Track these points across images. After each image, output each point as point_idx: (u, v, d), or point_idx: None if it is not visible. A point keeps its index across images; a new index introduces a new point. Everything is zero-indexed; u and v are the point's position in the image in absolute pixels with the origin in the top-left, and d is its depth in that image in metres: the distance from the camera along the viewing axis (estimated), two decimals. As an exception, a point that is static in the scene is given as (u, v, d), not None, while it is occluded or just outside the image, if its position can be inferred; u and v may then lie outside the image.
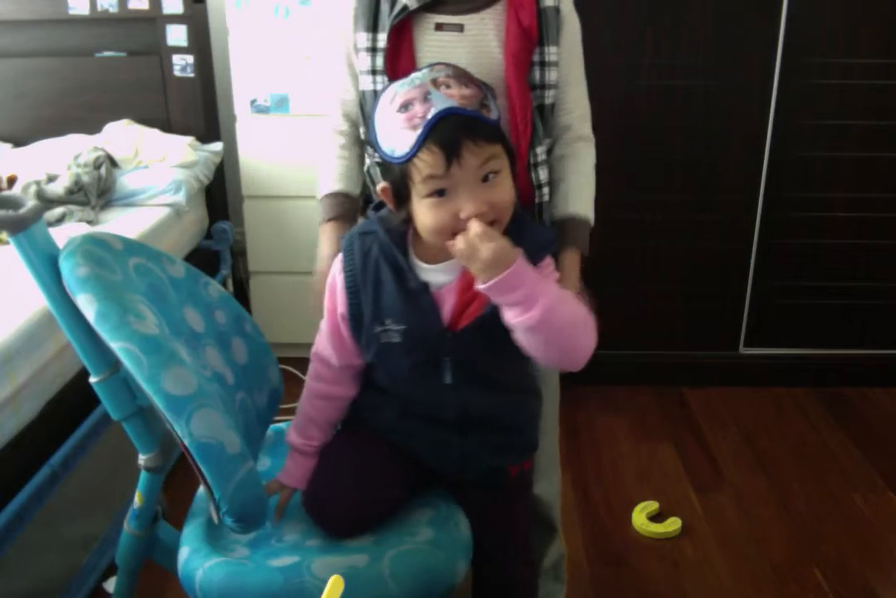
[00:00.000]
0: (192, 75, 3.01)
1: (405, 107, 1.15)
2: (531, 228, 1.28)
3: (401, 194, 1.21)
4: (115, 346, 1.19)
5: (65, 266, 1.23)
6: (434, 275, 1.27)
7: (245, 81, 2.79)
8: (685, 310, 2.85)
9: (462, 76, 1.19)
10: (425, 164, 1.14)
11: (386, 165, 1.24)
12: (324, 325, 1.36)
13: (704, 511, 2.27)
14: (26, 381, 1.76)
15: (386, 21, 1.39)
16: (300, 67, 2.74)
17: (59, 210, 2.50)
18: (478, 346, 1.27)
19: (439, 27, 1.39)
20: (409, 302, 1.26)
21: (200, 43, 3.03)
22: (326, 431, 1.40)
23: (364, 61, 1.42)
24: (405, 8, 1.37)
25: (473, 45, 1.39)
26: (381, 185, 1.25)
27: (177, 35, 2.97)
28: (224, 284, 3.00)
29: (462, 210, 1.15)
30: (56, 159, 2.74)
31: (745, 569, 2.06)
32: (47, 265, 1.25)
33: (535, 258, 1.22)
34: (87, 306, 1.21)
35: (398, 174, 1.19)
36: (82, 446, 1.83)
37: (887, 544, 2.16)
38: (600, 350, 1.26)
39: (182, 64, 3.00)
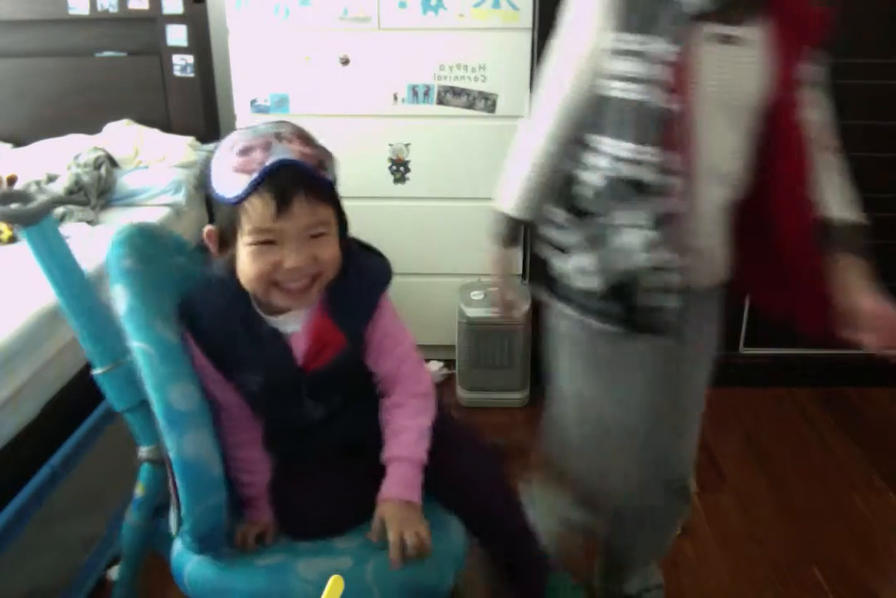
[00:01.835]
0: (192, 75, 3.01)
1: (245, 152, 1.15)
2: (367, 263, 1.32)
3: (226, 238, 1.21)
4: (135, 345, 1.20)
5: (112, 252, 1.25)
6: (278, 325, 1.29)
7: (245, 81, 2.79)
8: (685, 310, 2.85)
9: (304, 137, 1.19)
10: (256, 211, 1.15)
11: (215, 208, 1.22)
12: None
13: (704, 511, 2.26)
14: (26, 381, 1.76)
15: (662, 25, 1.23)
16: (300, 67, 2.74)
17: (59, 210, 2.50)
18: (334, 386, 1.32)
19: (725, 39, 1.26)
20: (263, 350, 1.28)
21: (200, 43, 3.03)
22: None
23: (619, 65, 1.27)
24: (692, 13, 1.22)
25: (759, 61, 1.29)
26: (208, 228, 1.23)
27: (177, 35, 2.97)
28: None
29: (285, 261, 1.17)
30: (56, 159, 2.74)
31: (745, 569, 2.06)
32: (56, 258, 1.26)
33: (375, 293, 1.30)
34: (121, 298, 1.22)
35: (227, 218, 1.18)
36: (82, 446, 1.83)
37: (887, 544, 2.16)
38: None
39: (182, 64, 3.00)
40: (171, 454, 1.18)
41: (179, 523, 1.23)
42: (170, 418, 1.18)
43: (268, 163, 1.13)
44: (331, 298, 1.28)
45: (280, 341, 1.28)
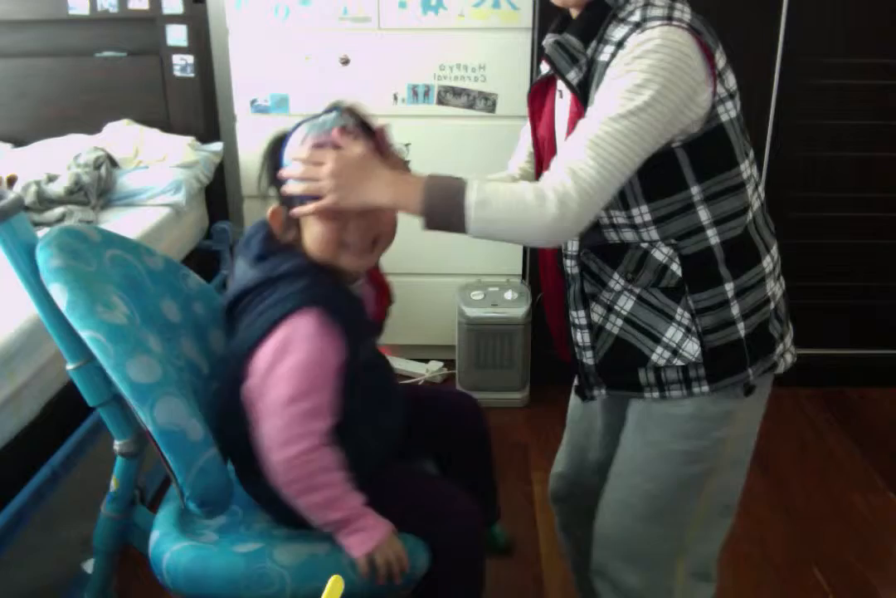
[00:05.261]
0: (192, 75, 3.01)
1: (317, 148, 1.24)
2: None
3: (289, 218, 1.30)
4: (84, 334, 1.23)
5: (40, 257, 1.28)
6: (356, 290, 1.40)
7: (245, 81, 2.79)
8: (685, 310, 2.85)
9: (366, 129, 1.32)
10: None
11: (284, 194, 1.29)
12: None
13: (704, 511, 2.26)
14: (26, 381, 1.76)
15: None
16: (300, 67, 2.74)
17: (59, 210, 2.50)
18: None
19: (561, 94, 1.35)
20: (365, 314, 1.40)
21: (200, 43, 3.03)
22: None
23: None
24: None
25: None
26: (273, 207, 1.33)
27: (177, 35, 2.97)
28: (224, 284, 3.00)
29: (352, 221, 1.28)
30: (56, 159, 2.74)
31: (744, 569, 2.06)
32: (27, 257, 1.29)
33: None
34: (59, 295, 1.25)
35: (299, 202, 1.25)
36: (82, 446, 1.83)
37: (887, 544, 2.16)
38: (600, 350, 1.26)
39: (182, 64, 3.00)
40: (150, 428, 1.21)
41: (182, 496, 1.26)
42: (135, 393, 1.21)
43: None
44: None
45: (362, 302, 1.40)
